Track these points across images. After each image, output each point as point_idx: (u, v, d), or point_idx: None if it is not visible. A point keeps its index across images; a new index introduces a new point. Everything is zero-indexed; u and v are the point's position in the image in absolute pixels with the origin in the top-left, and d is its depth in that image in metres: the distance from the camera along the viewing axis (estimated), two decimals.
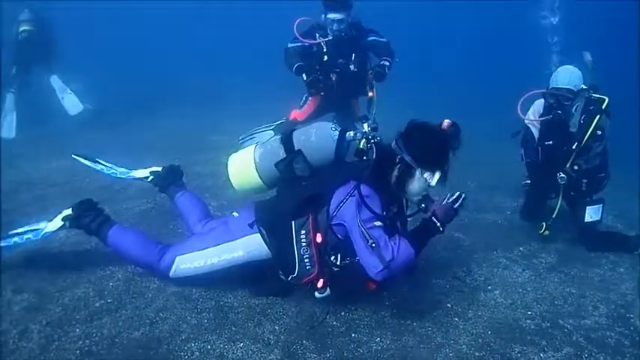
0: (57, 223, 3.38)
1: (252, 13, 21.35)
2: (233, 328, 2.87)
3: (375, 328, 2.99)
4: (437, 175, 2.85)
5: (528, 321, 3.20)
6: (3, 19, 8.48)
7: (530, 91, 4.68)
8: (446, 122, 2.81)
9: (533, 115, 4.60)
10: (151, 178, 4.00)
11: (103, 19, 18.24)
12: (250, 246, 3.10)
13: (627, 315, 3.39)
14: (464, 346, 2.91)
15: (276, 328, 2.91)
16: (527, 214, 4.91)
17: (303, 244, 2.97)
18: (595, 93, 4.41)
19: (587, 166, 4.36)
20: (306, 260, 2.98)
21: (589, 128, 4.26)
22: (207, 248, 3.15)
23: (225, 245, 3.13)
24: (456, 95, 11.26)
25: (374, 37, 5.56)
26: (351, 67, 5.50)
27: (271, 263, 3.11)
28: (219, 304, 3.10)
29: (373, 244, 2.76)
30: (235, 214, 3.35)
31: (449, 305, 3.30)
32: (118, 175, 4.05)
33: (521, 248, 4.32)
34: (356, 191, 2.83)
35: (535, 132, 4.65)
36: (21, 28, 7.77)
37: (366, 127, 3.16)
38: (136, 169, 4.08)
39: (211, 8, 21.07)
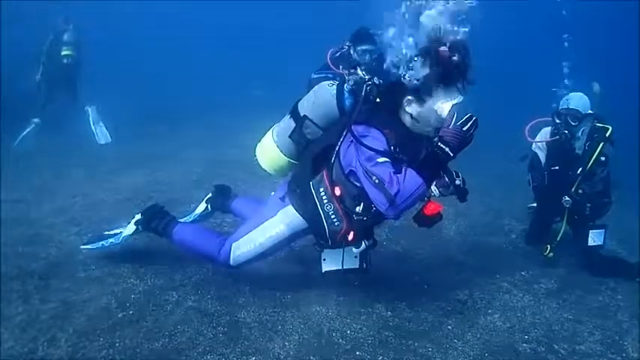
0: (131, 227, 3.78)
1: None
2: (246, 343, 3.04)
3: (379, 347, 3.14)
4: (448, 106, 2.84)
5: (525, 345, 3.36)
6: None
7: (537, 117, 4.92)
8: (442, 50, 2.74)
9: (540, 138, 4.84)
10: (209, 206, 4.32)
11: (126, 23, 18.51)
12: (287, 218, 3.28)
13: (621, 342, 3.53)
14: None
15: (286, 344, 3.08)
16: (533, 238, 5.09)
17: (325, 200, 3.12)
18: (600, 122, 4.63)
19: (591, 190, 4.58)
20: (332, 217, 3.13)
21: (593, 154, 4.49)
22: (253, 230, 3.36)
23: (267, 223, 3.33)
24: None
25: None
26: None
27: (310, 232, 3.30)
28: (233, 319, 3.27)
29: (377, 181, 2.76)
30: (273, 192, 3.51)
31: (449, 327, 3.46)
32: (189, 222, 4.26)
33: (523, 273, 4.47)
34: (352, 133, 2.86)
35: (542, 157, 4.89)
36: (65, 52, 7.90)
37: (360, 73, 3.09)
38: (194, 210, 4.40)
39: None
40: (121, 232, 3.81)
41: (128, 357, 2.83)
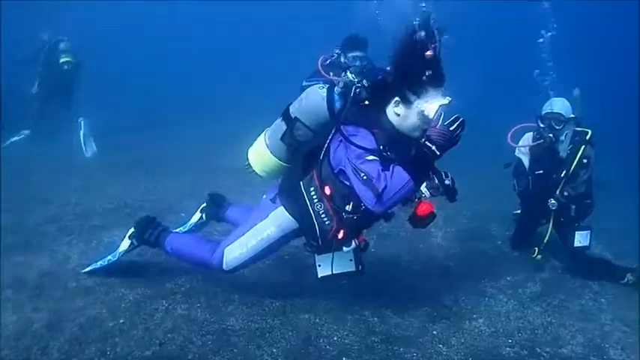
0: (126, 242, 3.82)
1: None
2: (234, 350, 3.10)
3: (365, 353, 3.20)
4: (433, 107, 2.88)
5: (508, 349, 3.43)
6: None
7: (520, 123, 5.02)
8: (428, 52, 2.82)
9: (523, 143, 4.94)
10: (204, 215, 4.35)
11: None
12: (278, 220, 3.31)
13: (602, 345, 3.61)
14: None
15: (274, 350, 3.14)
16: (518, 243, 5.19)
17: (315, 200, 3.16)
18: (578, 126, 4.76)
19: (575, 192, 4.70)
20: (322, 216, 3.16)
21: (576, 157, 4.61)
22: (245, 234, 3.40)
23: (258, 226, 3.36)
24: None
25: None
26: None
27: (301, 233, 3.34)
28: (222, 327, 3.33)
29: (365, 177, 2.82)
30: (264, 196, 3.54)
31: (435, 332, 3.53)
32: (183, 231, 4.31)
33: (508, 277, 4.54)
34: (341, 133, 2.94)
35: (526, 162, 4.99)
36: (64, 59, 8.01)
37: (350, 76, 3.14)
38: (189, 220, 4.43)
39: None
40: (116, 251, 3.86)
41: None
